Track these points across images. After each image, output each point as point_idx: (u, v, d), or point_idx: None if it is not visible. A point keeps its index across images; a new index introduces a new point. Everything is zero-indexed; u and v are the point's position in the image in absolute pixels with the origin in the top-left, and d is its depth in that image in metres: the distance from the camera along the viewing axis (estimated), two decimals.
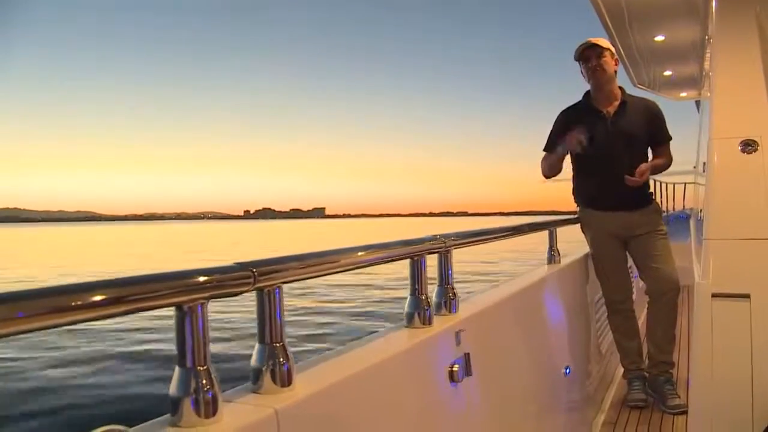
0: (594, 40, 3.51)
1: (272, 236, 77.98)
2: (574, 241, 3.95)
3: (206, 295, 1.03)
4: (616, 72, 3.56)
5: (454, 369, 1.73)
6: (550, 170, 3.63)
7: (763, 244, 2.41)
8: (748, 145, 2.58)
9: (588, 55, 3.48)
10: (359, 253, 1.51)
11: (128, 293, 0.92)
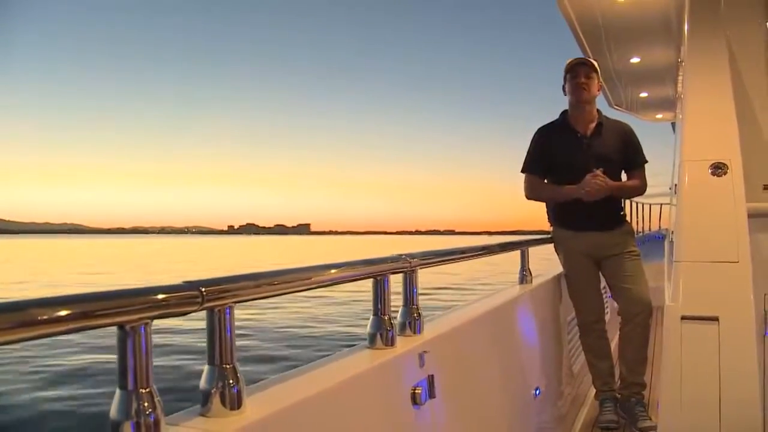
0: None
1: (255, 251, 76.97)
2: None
3: (150, 314, 0.99)
4: (596, 95, 3.59)
5: (416, 391, 1.70)
6: (546, 200, 3.72)
7: (732, 267, 2.41)
8: (718, 168, 2.60)
9: (578, 71, 3.50)
10: (318, 273, 1.48)
11: (66, 313, 0.87)
